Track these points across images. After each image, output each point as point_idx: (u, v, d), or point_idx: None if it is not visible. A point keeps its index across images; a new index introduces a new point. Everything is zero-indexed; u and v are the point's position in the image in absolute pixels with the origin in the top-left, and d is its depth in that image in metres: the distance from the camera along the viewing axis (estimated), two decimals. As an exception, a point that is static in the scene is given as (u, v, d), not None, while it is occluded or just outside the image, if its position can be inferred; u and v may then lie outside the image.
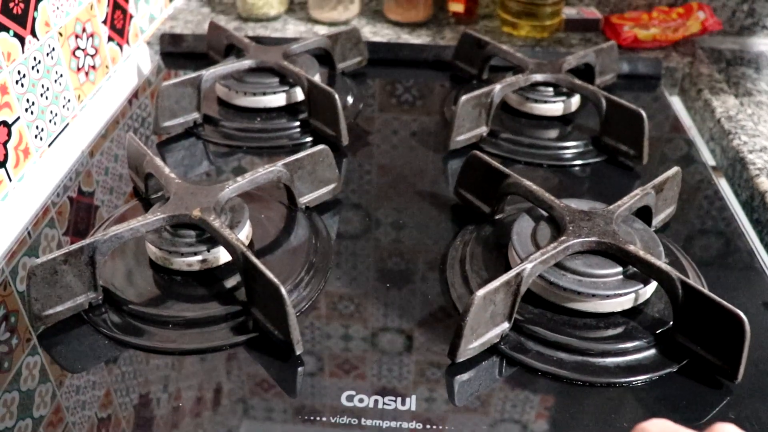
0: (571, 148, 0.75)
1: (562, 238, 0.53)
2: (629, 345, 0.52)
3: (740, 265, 0.61)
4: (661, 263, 0.51)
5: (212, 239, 0.56)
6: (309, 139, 0.77)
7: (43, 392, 0.49)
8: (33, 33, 0.71)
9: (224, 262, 0.57)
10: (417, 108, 0.85)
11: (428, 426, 0.47)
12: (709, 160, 0.77)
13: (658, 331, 0.52)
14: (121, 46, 0.92)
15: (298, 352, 0.50)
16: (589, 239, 0.54)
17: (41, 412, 0.47)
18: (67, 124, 0.79)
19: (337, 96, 0.71)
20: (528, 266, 0.51)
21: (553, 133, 0.78)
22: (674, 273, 0.50)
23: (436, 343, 0.53)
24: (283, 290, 0.48)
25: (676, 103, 0.91)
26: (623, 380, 0.50)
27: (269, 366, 0.51)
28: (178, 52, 0.97)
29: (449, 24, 1.05)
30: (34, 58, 0.72)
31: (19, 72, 0.69)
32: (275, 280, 0.48)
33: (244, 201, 0.60)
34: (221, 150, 0.76)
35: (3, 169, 0.67)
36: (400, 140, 0.78)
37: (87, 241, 0.52)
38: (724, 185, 0.75)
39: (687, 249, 0.62)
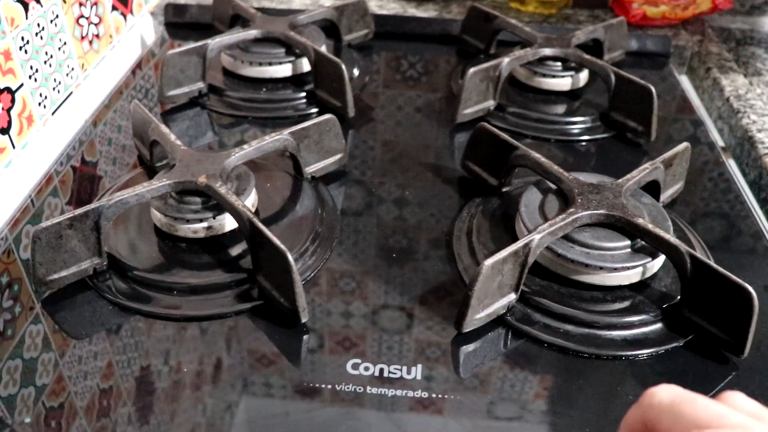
0: (578, 123, 0.75)
1: (571, 209, 0.53)
2: (636, 318, 0.51)
3: (747, 244, 0.61)
4: (670, 237, 0.51)
5: (218, 206, 0.55)
6: (314, 110, 0.76)
7: (46, 361, 0.49)
8: (37, -1, 0.70)
9: (229, 229, 0.56)
10: (423, 82, 0.84)
11: (434, 395, 0.47)
12: (717, 139, 0.77)
13: (664, 306, 0.52)
14: (125, 16, 0.91)
15: (303, 320, 0.50)
16: (598, 212, 0.53)
17: (44, 380, 0.47)
18: (71, 93, 0.78)
19: (344, 66, 0.71)
20: (536, 237, 0.50)
21: (561, 108, 0.78)
22: (683, 247, 0.50)
23: (442, 314, 0.52)
24: (290, 257, 0.47)
25: (684, 81, 0.90)
26: (629, 353, 0.49)
27: (274, 333, 0.50)
28: (182, 22, 0.96)
29: (456, -1, 1.04)
30: (38, 25, 0.71)
31: (22, 38, 0.68)
32: (282, 246, 0.48)
33: (250, 169, 0.59)
34: (226, 120, 0.75)
35: (6, 136, 0.66)
36: (406, 113, 0.77)
37: (92, 205, 0.51)
38: (731, 164, 0.75)
39: (694, 226, 0.62)
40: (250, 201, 0.57)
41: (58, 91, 0.76)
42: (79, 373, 0.48)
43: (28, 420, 0.44)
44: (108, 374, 0.48)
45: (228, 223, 0.56)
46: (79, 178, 0.67)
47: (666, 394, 0.28)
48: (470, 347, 0.50)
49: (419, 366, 0.49)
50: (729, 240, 0.61)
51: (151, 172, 0.65)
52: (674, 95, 0.83)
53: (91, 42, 0.82)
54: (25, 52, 0.69)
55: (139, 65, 0.87)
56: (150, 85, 0.84)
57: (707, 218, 0.63)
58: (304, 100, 0.77)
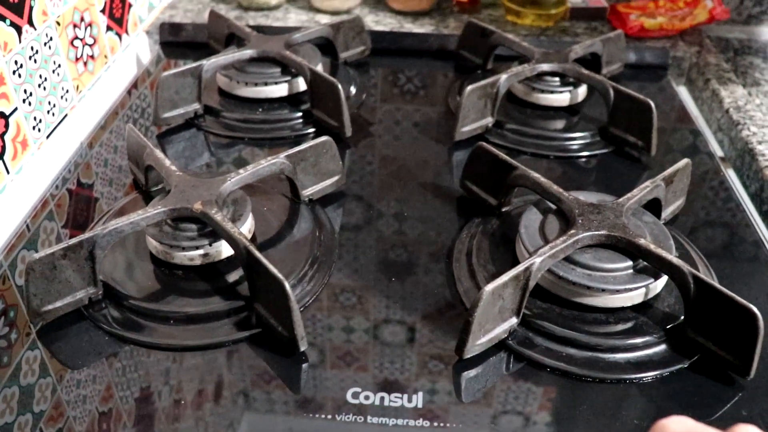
0: (577, 139, 0.74)
1: (572, 231, 0.52)
2: (639, 340, 0.51)
3: (749, 257, 0.60)
4: (673, 257, 0.50)
5: (214, 233, 0.55)
6: (311, 130, 0.75)
7: (43, 387, 0.48)
8: (30, 22, 0.70)
9: (226, 256, 0.56)
10: (421, 98, 0.84)
11: (435, 423, 0.46)
12: (717, 151, 0.76)
13: (668, 327, 0.52)
14: (120, 36, 0.90)
15: (302, 349, 0.49)
16: (599, 233, 0.53)
17: (41, 407, 0.47)
18: (66, 115, 0.78)
19: (340, 86, 0.70)
20: (537, 260, 0.50)
21: (560, 124, 0.77)
22: (686, 267, 0.49)
23: (443, 338, 0.52)
24: (287, 286, 0.47)
25: (683, 93, 0.89)
26: (633, 376, 0.49)
27: (272, 362, 0.50)
28: (177, 41, 0.95)
29: (452, 13, 1.03)
30: (32, 48, 0.71)
31: (16, 62, 0.68)
32: (279, 275, 0.47)
33: (246, 193, 0.59)
34: (222, 141, 0.75)
35: (0, 162, 0.66)
36: (403, 131, 0.77)
37: (86, 235, 0.51)
38: (732, 176, 0.74)
39: (696, 241, 0.61)
40: (247, 227, 0.57)
41: (53, 114, 0.75)
42: (77, 398, 0.47)
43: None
44: (105, 403, 0.47)
45: (225, 249, 0.55)
46: (75, 201, 0.67)
47: (678, 426, 0.27)
48: (472, 372, 0.49)
49: (420, 394, 0.48)
50: (731, 253, 0.61)
51: (147, 196, 0.65)
52: (673, 107, 0.82)
53: (86, 63, 0.82)
54: (19, 75, 0.69)
55: (134, 85, 0.87)
56: (146, 104, 0.83)
57: (709, 232, 0.63)
58: (301, 120, 0.76)
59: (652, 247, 0.51)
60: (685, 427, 0.27)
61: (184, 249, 0.54)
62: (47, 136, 0.74)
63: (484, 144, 0.62)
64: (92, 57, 0.83)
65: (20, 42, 0.69)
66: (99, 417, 0.46)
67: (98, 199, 0.67)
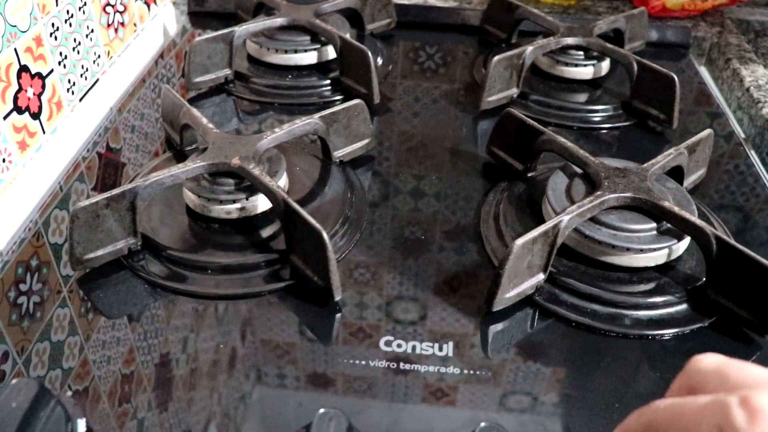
0: (600, 111, 0.75)
1: (598, 192, 0.54)
2: (661, 299, 0.52)
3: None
4: (696, 219, 0.52)
5: (251, 188, 0.56)
6: (339, 97, 0.77)
7: (72, 344, 0.50)
8: (66, -15, 0.72)
9: (261, 210, 0.57)
10: (445, 70, 0.85)
11: (465, 371, 0.47)
12: (737, 128, 0.77)
13: (689, 287, 0.53)
14: (148, 5, 0.92)
15: (336, 298, 0.51)
16: (625, 194, 0.54)
17: (69, 363, 0.48)
18: (97, 80, 0.79)
19: (370, 54, 0.72)
20: (565, 218, 0.51)
21: (583, 97, 0.78)
22: (709, 229, 0.51)
23: (472, 294, 0.53)
24: (326, 236, 0.48)
25: (703, 72, 0.90)
26: (655, 333, 0.50)
27: (307, 311, 0.51)
28: (204, 11, 0.97)
29: (476, -11, 1.05)
30: (67, 11, 0.72)
31: (53, 24, 0.70)
32: (317, 225, 0.49)
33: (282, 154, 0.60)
34: (252, 107, 0.76)
35: (37, 121, 0.68)
36: (429, 101, 0.78)
37: (128, 186, 0.52)
38: (752, 154, 0.75)
39: (715, 211, 0.62)
40: (282, 183, 0.58)
41: (86, 78, 0.77)
42: (109, 353, 0.49)
43: (69, 393, 0.46)
44: (143, 347, 0.49)
45: (260, 204, 0.57)
46: (104, 164, 0.68)
47: (711, 359, 0.29)
48: (499, 326, 0.51)
49: (450, 343, 0.49)
50: (750, 225, 0.62)
51: (179, 156, 0.66)
52: (694, 86, 0.84)
53: (116, 30, 0.83)
54: (55, 38, 0.70)
55: (161, 54, 0.88)
56: (171, 74, 0.85)
57: (729, 204, 0.64)
58: (329, 88, 0.78)
59: (676, 209, 0.52)
60: (719, 359, 0.29)
61: (221, 202, 0.56)
62: (80, 99, 0.75)
63: (513, 110, 0.64)
64: (122, 24, 0.85)
65: (57, 5, 0.70)
66: (126, 374, 0.48)
67: (125, 164, 0.69)
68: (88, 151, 0.70)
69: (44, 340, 0.49)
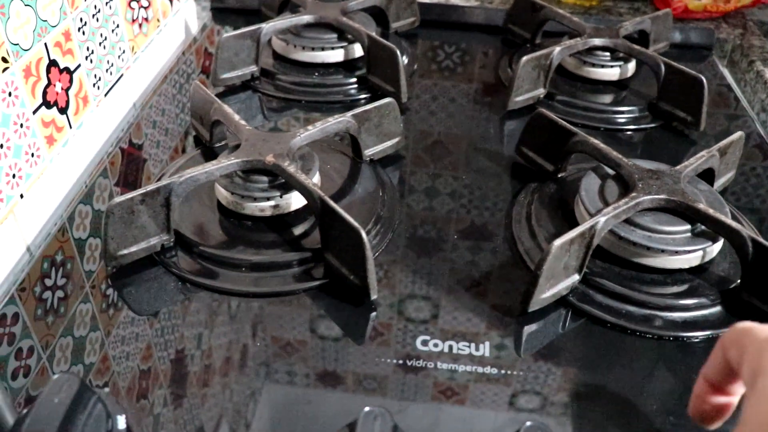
0: (626, 112, 0.75)
1: (633, 194, 0.54)
2: (695, 301, 0.52)
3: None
4: (732, 221, 0.52)
5: (284, 185, 0.56)
6: (366, 95, 0.77)
7: (93, 340, 0.49)
8: (94, -19, 0.71)
9: (295, 208, 0.57)
10: (470, 70, 0.85)
11: (502, 371, 0.47)
12: (761, 131, 0.77)
13: (723, 289, 0.53)
14: (171, 1, 0.92)
15: (373, 297, 0.51)
16: (659, 196, 0.54)
17: (91, 359, 0.48)
18: (122, 75, 0.79)
19: (398, 52, 0.71)
20: (602, 219, 0.51)
21: (609, 98, 0.78)
22: (745, 231, 0.51)
23: (506, 294, 0.53)
24: (364, 234, 0.48)
25: (726, 74, 0.90)
26: (689, 334, 0.50)
27: (343, 311, 0.51)
28: (226, 7, 0.97)
29: (497, -11, 1.04)
30: (95, 6, 0.72)
31: (81, 19, 0.70)
32: (356, 224, 0.49)
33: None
34: (277, 104, 0.76)
35: (65, 116, 0.68)
36: (455, 100, 0.78)
37: (163, 182, 0.52)
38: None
39: (745, 213, 0.62)
40: (315, 181, 0.58)
41: (111, 73, 0.77)
42: (130, 348, 0.49)
43: (107, 390, 0.46)
44: (177, 343, 0.49)
45: (294, 202, 0.57)
46: (126, 160, 0.68)
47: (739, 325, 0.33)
48: (534, 326, 0.51)
49: (486, 343, 0.49)
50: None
51: (207, 153, 0.66)
52: (718, 87, 0.83)
53: (140, 25, 0.83)
54: (83, 33, 0.70)
55: (182, 51, 0.88)
56: (191, 70, 0.85)
57: (757, 208, 0.64)
58: (356, 86, 0.78)
59: (711, 211, 0.52)
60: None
61: (255, 200, 0.56)
62: (105, 94, 0.75)
63: (544, 111, 0.64)
64: (146, 20, 0.85)
65: (85, 0, 0.70)
66: (173, 361, 0.48)
67: (147, 160, 0.69)
68: (111, 146, 0.70)
69: (67, 335, 0.49)
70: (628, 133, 0.74)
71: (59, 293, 0.53)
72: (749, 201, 0.65)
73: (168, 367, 0.47)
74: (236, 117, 0.60)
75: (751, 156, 0.71)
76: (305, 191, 0.53)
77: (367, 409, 0.38)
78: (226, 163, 0.55)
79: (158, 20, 0.88)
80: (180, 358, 0.48)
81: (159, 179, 0.64)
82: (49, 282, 0.53)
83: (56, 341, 0.49)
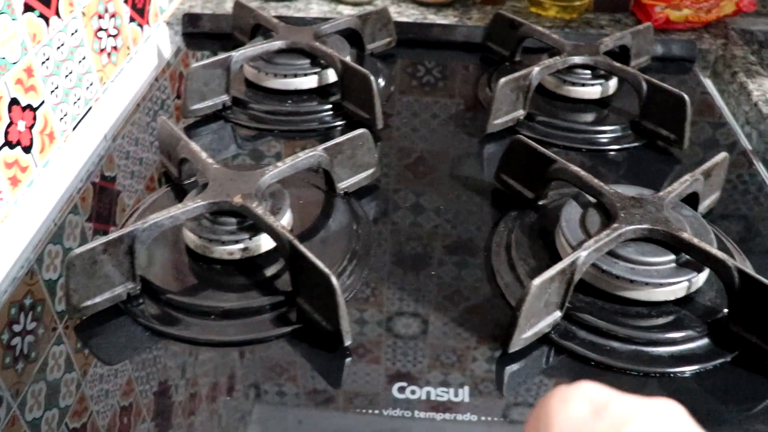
0: (608, 132, 0.74)
1: (615, 225, 0.52)
2: (682, 334, 0.51)
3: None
4: (717, 251, 0.50)
5: (253, 227, 0.54)
6: (341, 122, 0.75)
7: (69, 382, 0.48)
8: (57, 13, 0.69)
9: (266, 250, 0.55)
10: (449, 90, 0.83)
11: (483, 417, 0.46)
12: (745, 144, 0.76)
13: (710, 320, 0.51)
14: (141, 27, 0.90)
15: (346, 343, 0.49)
16: (642, 226, 0.52)
17: (67, 402, 0.46)
18: (90, 108, 0.77)
19: (372, 78, 0.70)
20: (583, 254, 0.49)
21: (591, 117, 0.77)
22: (730, 261, 0.49)
23: (486, 332, 0.52)
24: (334, 280, 0.46)
25: (709, 85, 0.89)
26: (676, 370, 0.49)
27: (316, 358, 0.49)
28: (199, 32, 0.95)
29: (475, 4, 1.03)
30: (59, 39, 0.70)
31: (44, 54, 0.68)
32: (326, 269, 0.47)
33: (283, 186, 0.58)
34: (250, 133, 0.74)
35: (29, 155, 0.66)
36: (433, 123, 0.76)
37: (126, 229, 0.50)
38: (762, 169, 0.74)
39: (730, 235, 0.61)
40: (286, 220, 0.56)
41: (78, 106, 0.75)
42: (101, 394, 0.47)
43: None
44: (132, 397, 0.47)
45: (264, 243, 0.55)
46: (98, 194, 0.66)
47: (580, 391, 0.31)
48: (515, 366, 0.49)
49: (466, 388, 0.48)
50: (766, 246, 0.60)
51: (178, 190, 0.64)
52: (701, 100, 0.82)
53: (109, 54, 0.81)
54: (47, 67, 0.68)
55: (155, 77, 0.86)
56: (166, 95, 0.83)
57: (743, 225, 0.63)
58: (330, 112, 0.76)
59: (696, 240, 0.51)
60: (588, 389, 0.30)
61: (223, 243, 0.54)
62: (73, 129, 0.73)
63: (522, 137, 0.62)
64: (116, 48, 0.83)
65: (48, 33, 0.68)
66: (123, 410, 0.46)
67: (120, 193, 0.67)
68: (82, 181, 0.68)
69: (40, 380, 0.48)
70: (611, 153, 0.72)
71: (29, 338, 0.51)
72: (735, 216, 0.63)
73: (147, 408, 0.45)
74: (203, 155, 0.58)
75: (736, 168, 0.70)
76: (274, 234, 0.51)
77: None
78: (191, 206, 0.53)
79: (128, 48, 0.86)
80: (146, 414, 0.46)
81: (129, 217, 0.62)
82: (17, 327, 0.52)
83: (27, 388, 0.47)
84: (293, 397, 0.47)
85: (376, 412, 0.46)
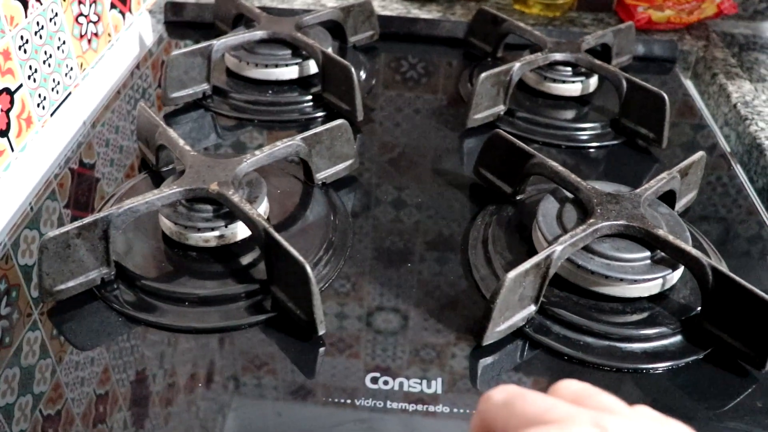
0: (588, 129, 0.74)
1: (591, 220, 0.52)
2: (655, 331, 0.51)
3: (759, 252, 0.60)
4: (692, 249, 0.50)
5: (229, 214, 0.54)
6: (321, 113, 0.75)
7: (43, 368, 0.47)
8: (36, -4, 0.69)
9: (241, 238, 0.55)
10: (430, 85, 0.83)
11: (455, 410, 0.46)
12: (724, 145, 0.76)
13: (683, 318, 0.52)
14: (123, 14, 0.89)
15: (320, 333, 0.49)
16: (618, 222, 0.52)
17: (41, 388, 0.46)
18: (69, 93, 0.76)
19: (353, 69, 0.69)
20: (558, 248, 0.49)
21: (571, 114, 0.77)
22: (705, 259, 0.49)
23: (461, 325, 0.51)
24: (309, 269, 0.46)
25: (689, 87, 0.89)
26: (649, 366, 0.49)
27: (289, 346, 0.49)
28: (181, 21, 0.94)
29: (459, 0, 1.03)
30: (37, 23, 0.69)
31: (21, 37, 0.67)
32: (300, 258, 0.46)
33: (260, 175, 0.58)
34: (230, 123, 0.74)
35: (5, 139, 0.65)
36: (413, 117, 0.76)
37: (101, 214, 0.50)
38: (740, 171, 0.74)
39: (707, 234, 0.61)
40: (262, 209, 0.56)
41: (57, 92, 0.74)
42: (76, 381, 0.46)
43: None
44: (108, 384, 0.46)
45: (240, 231, 0.55)
46: (76, 181, 0.65)
47: (499, 394, 0.27)
48: (489, 359, 0.49)
49: (439, 380, 0.48)
50: (741, 247, 0.61)
51: (155, 177, 0.64)
52: (681, 100, 0.82)
53: (89, 41, 0.80)
54: (25, 51, 0.67)
55: (137, 65, 0.85)
56: (147, 84, 0.82)
57: (720, 226, 0.63)
58: (311, 103, 0.75)
59: (671, 238, 0.51)
60: (506, 392, 0.27)
61: (199, 230, 0.54)
62: (51, 114, 0.73)
63: (501, 131, 0.62)
64: (96, 35, 0.82)
65: (26, 17, 0.67)
66: (99, 398, 0.45)
67: (99, 180, 0.66)
68: (60, 167, 0.67)
69: (13, 365, 0.47)
70: (591, 150, 0.73)
71: (3, 323, 0.50)
72: (712, 217, 0.64)
73: (122, 396, 0.45)
74: (180, 142, 0.58)
75: (715, 170, 0.70)
76: (249, 222, 0.50)
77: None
78: (167, 192, 0.52)
79: (109, 35, 0.86)
80: (120, 396, 0.45)
81: (105, 203, 0.61)
82: (-8, 313, 0.51)
83: (1, 373, 0.46)
84: (267, 387, 0.47)
85: (349, 402, 0.46)
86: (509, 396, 0.27)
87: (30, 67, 0.68)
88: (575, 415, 0.25)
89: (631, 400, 0.46)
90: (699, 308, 0.52)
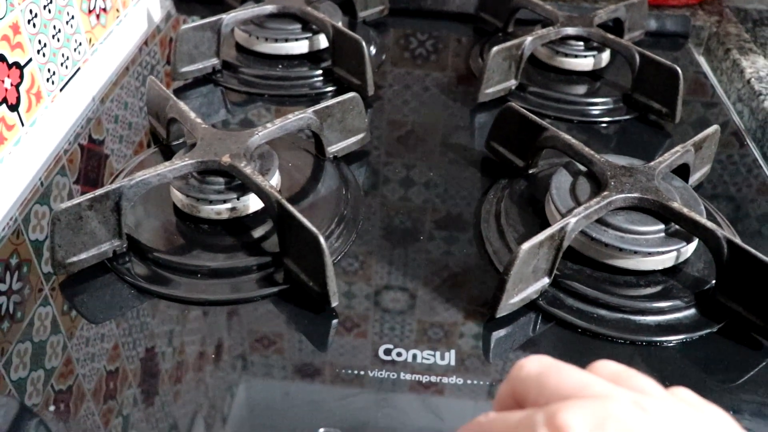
0: (600, 104, 0.73)
1: (605, 193, 0.52)
2: (669, 304, 0.50)
3: (772, 227, 0.60)
4: (706, 221, 0.50)
5: (241, 187, 0.54)
6: (331, 87, 0.74)
7: (55, 343, 0.47)
8: (45, -30, 0.68)
9: (253, 210, 0.55)
10: (440, 60, 0.82)
11: (468, 381, 0.46)
12: (737, 121, 0.76)
13: (698, 291, 0.51)
14: (131, -11, 0.88)
15: (333, 304, 0.48)
16: (632, 195, 0.52)
17: (53, 363, 0.46)
18: (78, 69, 0.76)
19: (364, 43, 0.69)
20: (572, 220, 0.49)
21: (583, 89, 0.76)
22: (720, 231, 0.49)
23: (474, 298, 0.51)
24: (322, 240, 0.46)
25: (702, 62, 0.88)
26: (663, 339, 0.49)
27: (302, 318, 0.49)
28: (190, -4, 0.93)
29: (469, -25, 1.02)
30: (46, -3, 0.69)
31: (30, 11, 0.66)
32: (314, 229, 0.46)
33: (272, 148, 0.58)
34: (240, 98, 0.73)
35: (16, 113, 0.64)
36: (424, 92, 0.76)
37: (113, 186, 0.50)
38: (753, 147, 0.74)
39: (720, 208, 0.61)
40: (274, 181, 0.56)
41: (66, 67, 0.73)
42: (87, 356, 0.46)
43: (52, 408, 0.43)
44: (118, 358, 0.46)
45: (252, 204, 0.54)
46: (86, 156, 0.65)
47: (533, 365, 0.26)
48: (502, 332, 0.49)
49: (452, 351, 0.47)
50: (755, 223, 0.60)
51: (166, 151, 0.64)
52: (694, 76, 0.82)
53: (98, 16, 0.80)
54: (33, 25, 0.67)
55: (145, 41, 0.85)
56: (155, 61, 0.82)
57: (733, 200, 0.63)
58: (321, 78, 0.75)
59: (686, 210, 0.51)
60: (541, 364, 0.26)
61: (211, 203, 0.53)
62: (60, 89, 0.72)
63: (513, 105, 0.61)
64: (104, 10, 0.82)
65: (35, -10, 0.67)
66: (111, 373, 0.45)
67: (108, 156, 0.66)
68: (69, 143, 0.67)
69: (26, 340, 0.47)
70: (603, 125, 0.72)
71: (15, 297, 0.50)
72: (725, 193, 0.63)
73: (133, 370, 0.45)
74: (192, 115, 0.57)
75: (727, 146, 0.70)
76: (262, 194, 0.50)
77: (322, 430, 0.36)
78: (179, 164, 0.52)
79: (117, 10, 0.85)
80: (132, 371, 0.45)
81: (116, 177, 0.61)
82: (3, 287, 0.51)
83: (13, 347, 0.46)
84: (279, 359, 0.47)
85: (362, 372, 0.46)
86: (544, 368, 0.26)
87: (39, 42, 0.68)
88: (614, 394, 0.24)
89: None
90: (713, 281, 0.51)
